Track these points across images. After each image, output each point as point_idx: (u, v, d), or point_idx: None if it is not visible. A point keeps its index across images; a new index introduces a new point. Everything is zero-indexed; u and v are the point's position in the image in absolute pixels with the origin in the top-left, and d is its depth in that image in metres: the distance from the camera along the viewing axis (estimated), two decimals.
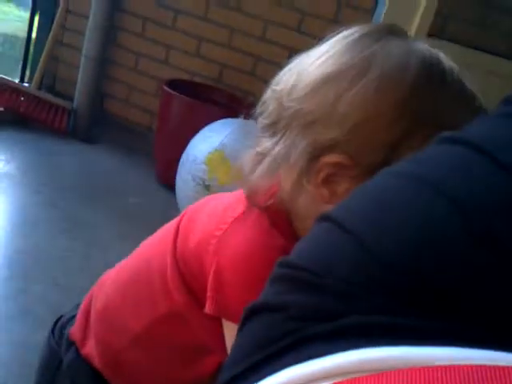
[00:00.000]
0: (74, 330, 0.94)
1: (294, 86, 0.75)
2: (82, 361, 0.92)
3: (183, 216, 0.87)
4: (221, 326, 0.79)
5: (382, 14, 2.31)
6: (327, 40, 0.77)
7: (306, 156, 0.73)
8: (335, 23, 2.84)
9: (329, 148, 0.72)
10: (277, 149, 0.75)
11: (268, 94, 0.78)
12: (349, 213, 0.42)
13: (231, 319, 0.76)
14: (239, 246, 0.76)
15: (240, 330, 0.44)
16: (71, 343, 0.94)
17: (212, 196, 0.90)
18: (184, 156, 2.47)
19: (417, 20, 2.29)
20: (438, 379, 0.30)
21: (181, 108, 2.87)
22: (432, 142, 0.43)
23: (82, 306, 0.96)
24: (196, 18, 3.15)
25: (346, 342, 0.35)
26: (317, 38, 0.79)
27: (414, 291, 0.35)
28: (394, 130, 0.70)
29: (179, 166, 2.49)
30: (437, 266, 0.35)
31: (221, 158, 2.30)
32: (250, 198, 0.78)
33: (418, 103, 0.71)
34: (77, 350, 0.93)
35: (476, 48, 2.57)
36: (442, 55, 0.75)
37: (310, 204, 0.75)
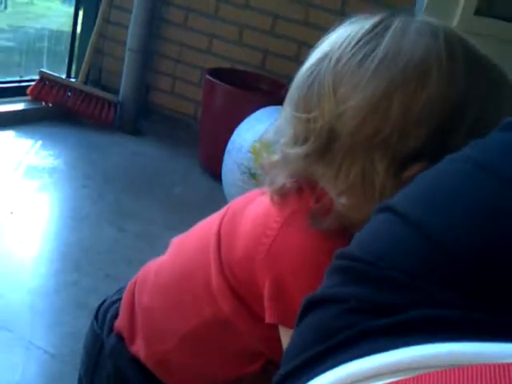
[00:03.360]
0: (121, 324, 0.93)
1: (337, 108, 0.70)
2: (124, 347, 0.92)
3: (222, 220, 0.84)
4: (271, 331, 0.77)
5: None
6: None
7: (391, 176, 0.69)
8: (379, 5, 2.78)
9: (413, 158, 0.68)
10: (343, 175, 0.70)
11: (293, 123, 0.75)
12: (411, 203, 0.40)
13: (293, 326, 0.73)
14: (296, 252, 0.73)
15: (298, 323, 0.43)
16: (112, 327, 0.94)
17: (247, 197, 0.86)
18: (229, 145, 2.46)
19: None
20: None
21: (224, 97, 2.86)
22: (496, 128, 0.42)
23: (124, 297, 0.95)
24: (237, 6, 3.13)
25: (409, 336, 0.33)
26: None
27: (481, 284, 0.33)
28: (457, 129, 0.67)
29: (225, 155, 2.48)
30: (506, 259, 0.33)
31: (266, 146, 2.28)
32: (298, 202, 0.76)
33: (476, 98, 0.68)
34: (121, 339, 0.92)
35: None
36: (449, 28, 0.72)
37: None
